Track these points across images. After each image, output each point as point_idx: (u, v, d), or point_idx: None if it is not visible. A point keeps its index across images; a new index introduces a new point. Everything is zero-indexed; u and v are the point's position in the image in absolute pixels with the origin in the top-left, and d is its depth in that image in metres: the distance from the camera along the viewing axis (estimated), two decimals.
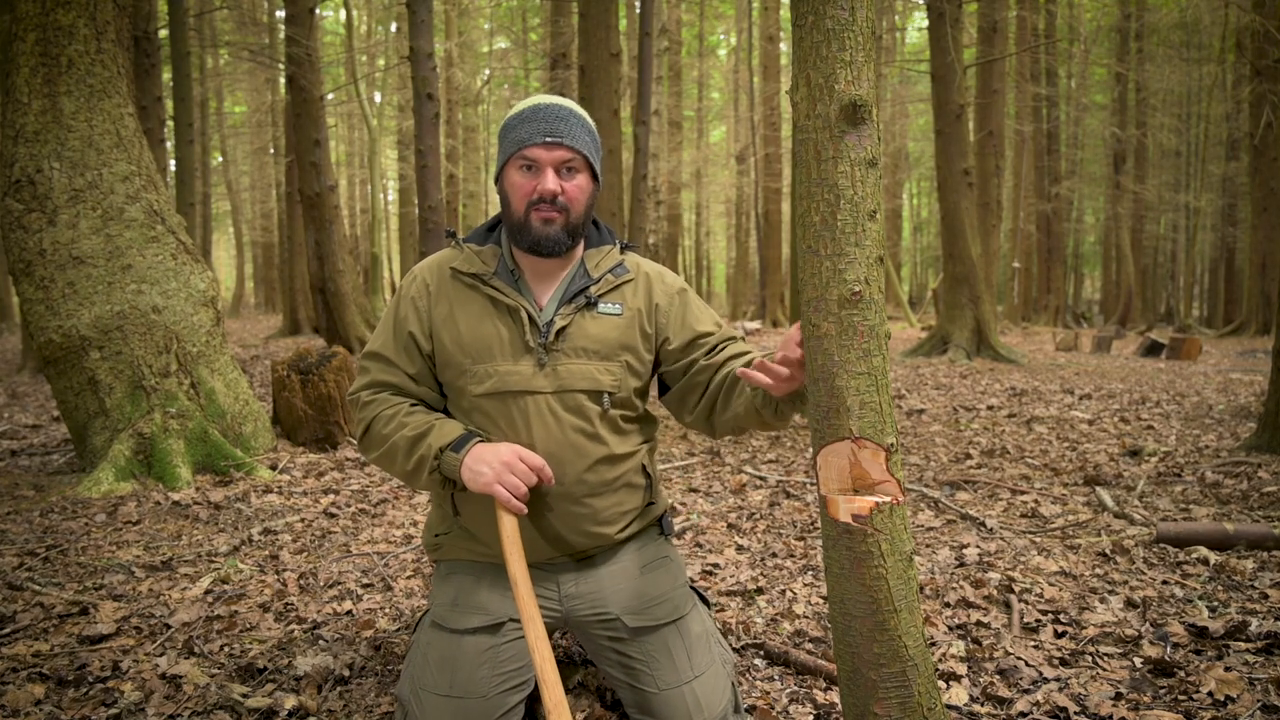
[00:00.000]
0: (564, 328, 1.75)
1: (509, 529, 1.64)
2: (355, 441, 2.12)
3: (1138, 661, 2.19)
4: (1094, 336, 15.16)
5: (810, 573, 2.91)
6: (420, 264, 1.88)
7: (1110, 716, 1.90)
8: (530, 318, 1.74)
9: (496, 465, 1.63)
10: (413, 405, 1.79)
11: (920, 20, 25.51)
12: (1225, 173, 23.36)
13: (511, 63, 23.89)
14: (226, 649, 2.27)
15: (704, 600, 1.96)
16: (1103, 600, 2.62)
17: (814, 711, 1.97)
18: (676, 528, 3.44)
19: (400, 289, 1.85)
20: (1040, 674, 2.13)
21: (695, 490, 4.18)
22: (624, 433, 1.80)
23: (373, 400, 1.81)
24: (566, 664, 2.15)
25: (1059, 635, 2.38)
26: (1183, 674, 2.10)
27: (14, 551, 3.06)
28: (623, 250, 1.89)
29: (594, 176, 1.78)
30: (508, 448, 1.66)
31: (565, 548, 1.78)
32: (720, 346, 1.85)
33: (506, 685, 1.68)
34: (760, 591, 2.73)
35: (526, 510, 1.66)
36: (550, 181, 1.70)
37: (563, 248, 1.75)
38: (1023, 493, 4.04)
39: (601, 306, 1.79)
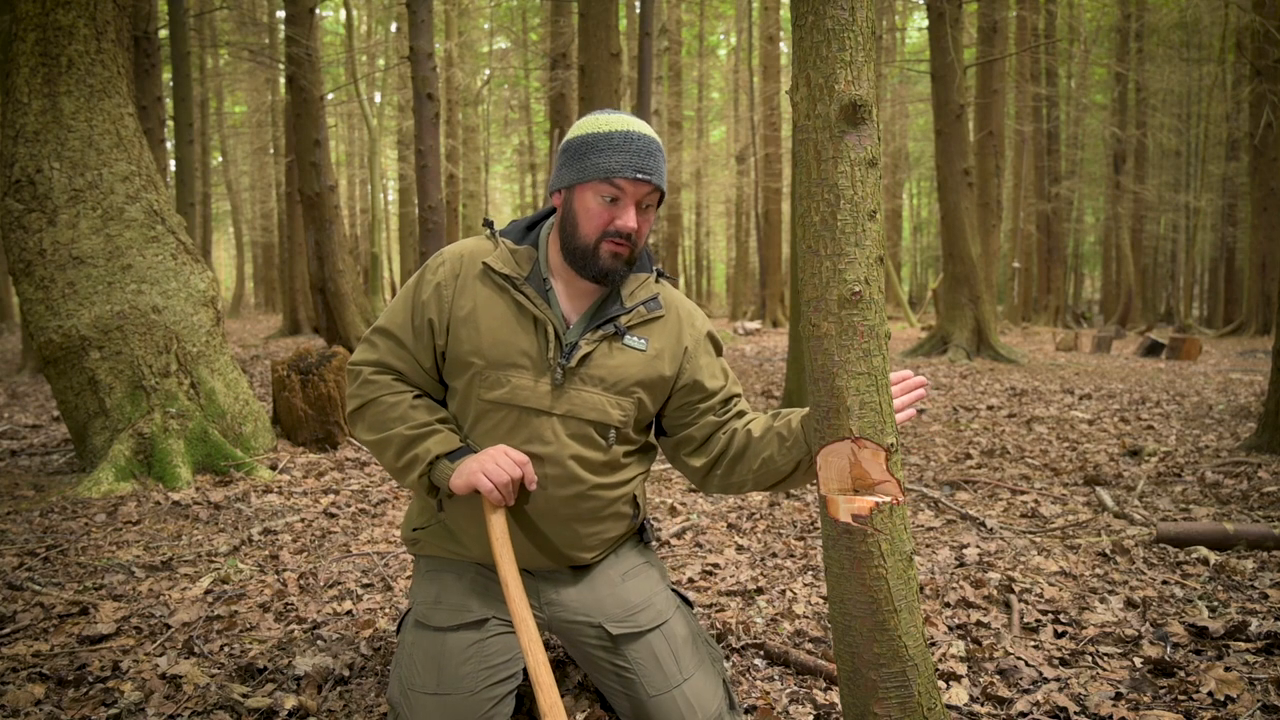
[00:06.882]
0: (588, 354, 1.70)
1: (499, 529, 1.63)
2: (346, 419, 2.09)
3: (1138, 661, 2.19)
4: (1094, 336, 15.15)
5: (810, 573, 2.91)
6: (451, 248, 1.78)
7: (1110, 716, 1.90)
8: (556, 335, 1.70)
9: (482, 458, 1.63)
10: (416, 398, 1.75)
11: (920, 20, 25.51)
12: (1225, 173, 23.35)
13: (511, 63, 23.88)
14: (226, 649, 2.27)
15: (686, 601, 1.94)
16: (1103, 600, 2.62)
17: (814, 711, 1.97)
18: (676, 528, 3.44)
19: (426, 270, 1.77)
20: (1040, 674, 2.13)
21: (695, 490, 4.17)
22: (622, 466, 1.78)
23: (375, 381, 1.75)
24: (567, 664, 2.15)
25: (1059, 635, 2.38)
26: (1183, 674, 2.10)
27: (14, 551, 3.06)
28: (658, 279, 1.83)
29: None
30: (495, 447, 1.65)
31: (540, 563, 1.78)
32: (730, 400, 1.83)
33: (494, 679, 1.68)
34: (760, 591, 2.73)
35: (511, 502, 1.65)
36: (633, 219, 1.64)
37: (623, 279, 1.72)
38: (1023, 493, 4.04)
39: (628, 339, 1.73)
